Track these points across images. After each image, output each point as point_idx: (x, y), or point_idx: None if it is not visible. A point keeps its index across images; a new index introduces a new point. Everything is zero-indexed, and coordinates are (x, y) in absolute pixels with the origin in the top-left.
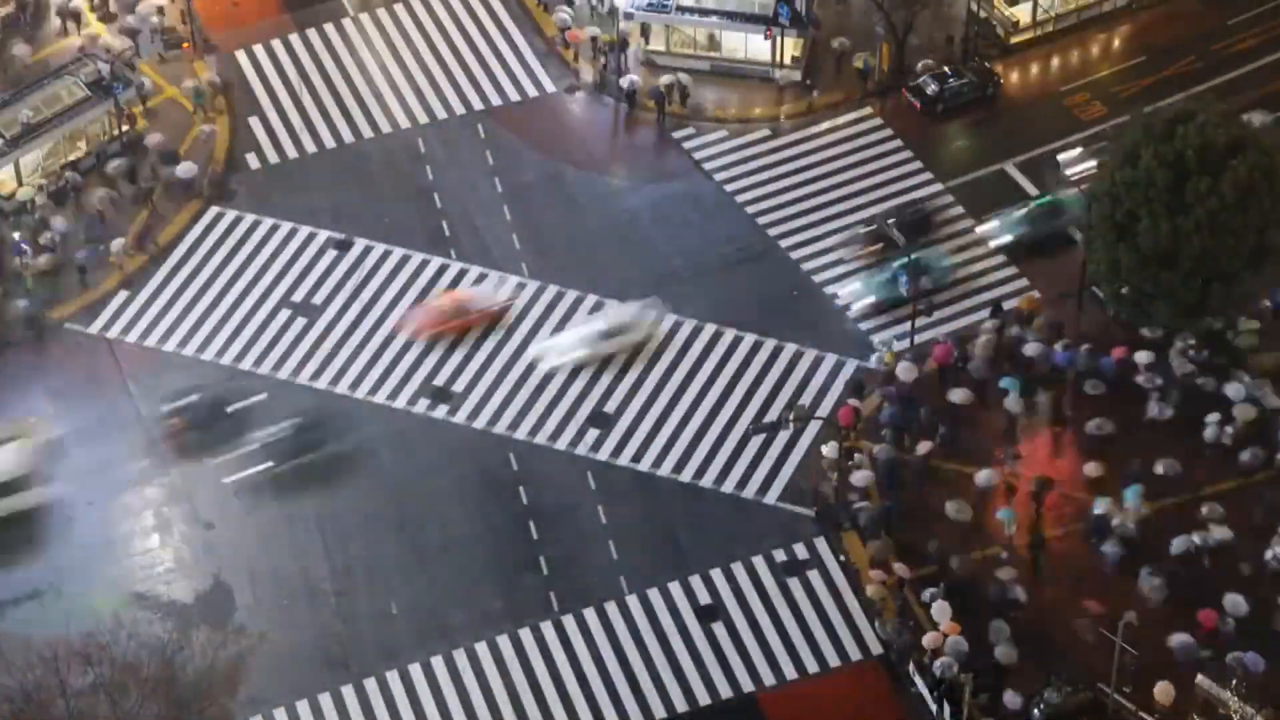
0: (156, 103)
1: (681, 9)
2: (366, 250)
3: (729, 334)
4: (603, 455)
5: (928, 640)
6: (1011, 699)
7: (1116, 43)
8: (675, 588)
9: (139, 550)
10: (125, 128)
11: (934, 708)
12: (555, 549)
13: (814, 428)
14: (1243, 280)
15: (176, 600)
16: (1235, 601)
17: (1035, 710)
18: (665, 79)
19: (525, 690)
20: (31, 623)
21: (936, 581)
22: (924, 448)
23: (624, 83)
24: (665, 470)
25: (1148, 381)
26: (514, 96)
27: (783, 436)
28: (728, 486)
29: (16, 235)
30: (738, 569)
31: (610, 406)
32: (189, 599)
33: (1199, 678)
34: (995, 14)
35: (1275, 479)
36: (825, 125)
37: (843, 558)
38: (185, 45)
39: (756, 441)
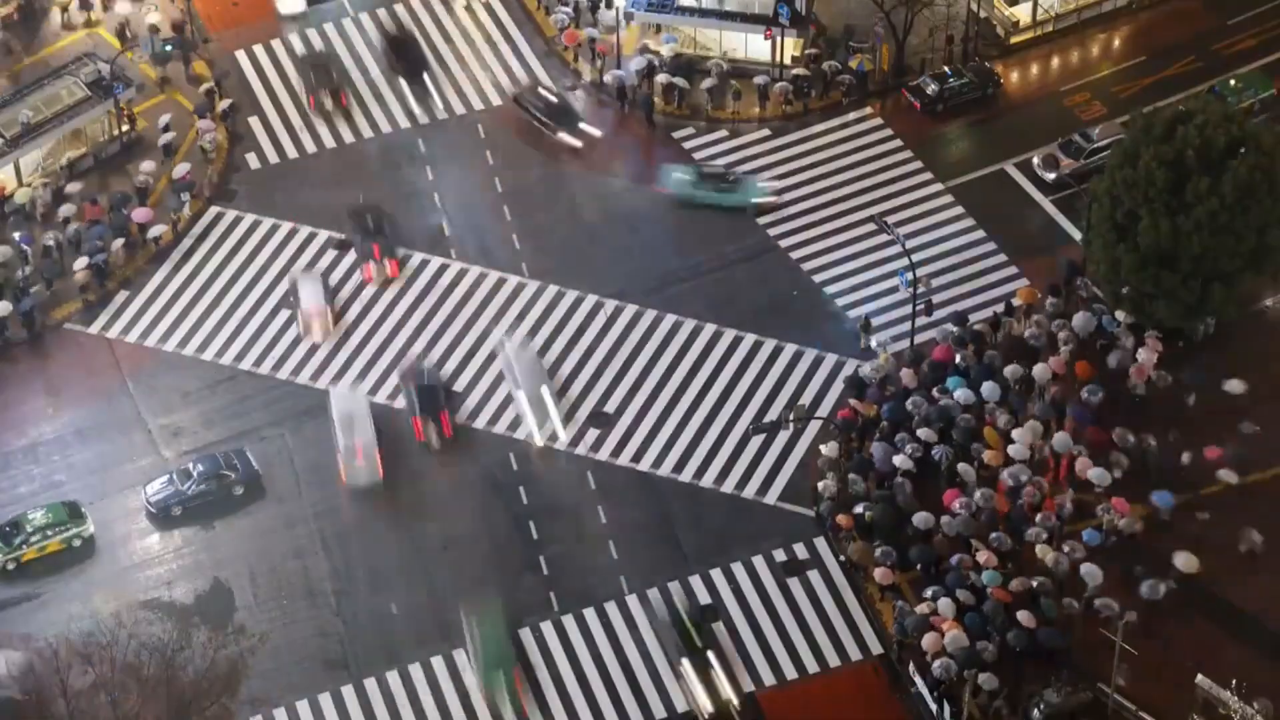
0: (156, 102)
1: (681, 9)
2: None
3: (729, 334)
4: (603, 455)
5: (927, 642)
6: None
7: (1116, 43)
8: (675, 588)
9: (139, 550)
10: (125, 128)
11: (934, 708)
12: (555, 549)
13: (814, 428)
14: (1243, 280)
15: (176, 600)
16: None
17: (1035, 710)
18: (660, 79)
19: (525, 690)
20: (32, 623)
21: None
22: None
23: (608, 78)
24: (665, 470)
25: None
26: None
27: (783, 436)
28: (728, 486)
29: (18, 235)
30: (738, 569)
31: (610, 406)
32: (189, 599)
33: (1199, 677)
34: (995, 14)
35: None
36: (825, 125)
37: (843, 558)
38: None
39: (756, 441)
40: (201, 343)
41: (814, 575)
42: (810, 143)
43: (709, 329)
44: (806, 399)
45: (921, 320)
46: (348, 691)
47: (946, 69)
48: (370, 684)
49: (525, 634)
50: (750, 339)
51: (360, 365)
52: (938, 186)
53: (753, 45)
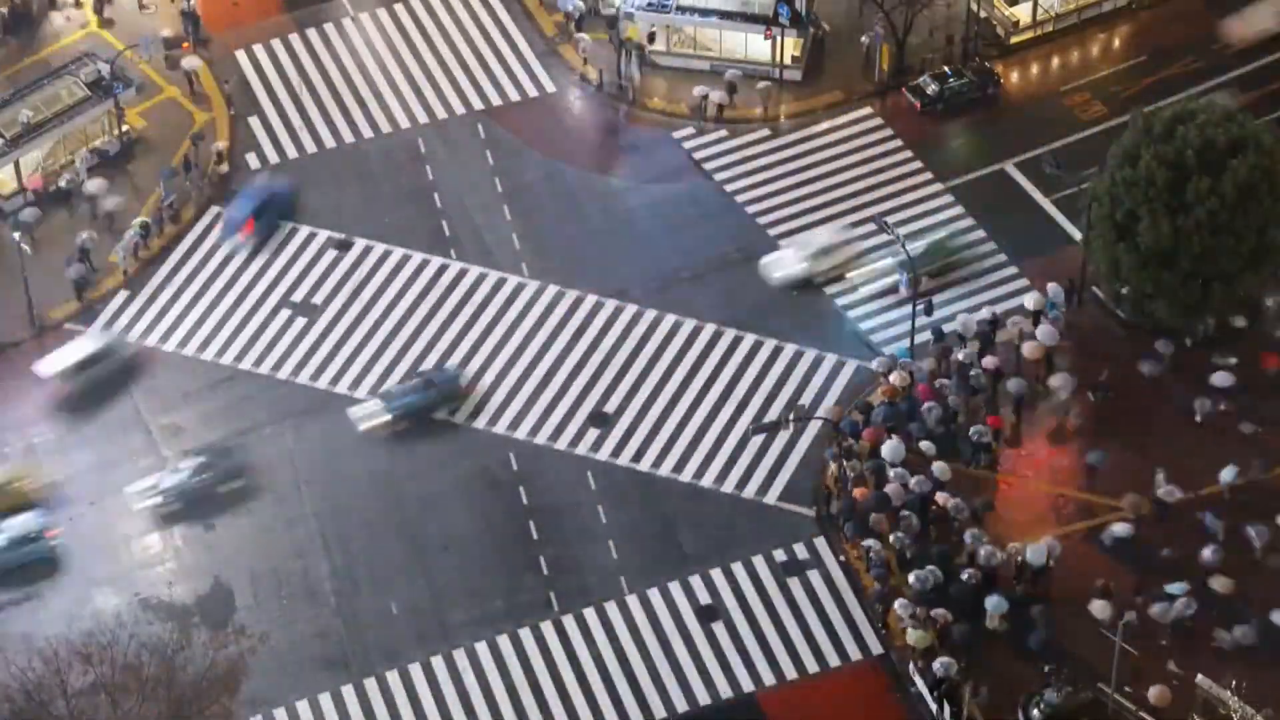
0: (156, 102)
1: (681, 9)
2: (366, 250)
3: (729, 334)
4: (603, 455)
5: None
6: None
7: (1116, 43)
8: (675, 588)
9: (139, 550)
10: (125, 128)
11: (934, 708)
12: (555, 549)
13: (814, 428)
14: (1243, 280)
15: (176, 600)
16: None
17: (1035, 710)
18: (698, 90)
19: (525, 690)
20: (32, 623)
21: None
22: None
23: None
24: (665, 470)
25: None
26: (514, 96)
27: (783, 436)
28: (728, 486)
29: (16, 236)
30: (738, 569)
31: (610, 406)
32: (189, 599)
33: (1199, 677)
34: (995, 14)
35: None
36: (825, 125)
37: (842, 558)
38: (185, 45)
39: (756, 441)
40: (201, 343)
41: (814, 575)
42: (810, 143)
43: (709, 329)
44: (806, 399)
45: (921, 320)
46: (348, 691)
47: (946, 69)
48: (370, 684)
49: (525, 634)
50: (750, 339)
51: (360, 365)
52: (938, 186)
53: (753, 45)
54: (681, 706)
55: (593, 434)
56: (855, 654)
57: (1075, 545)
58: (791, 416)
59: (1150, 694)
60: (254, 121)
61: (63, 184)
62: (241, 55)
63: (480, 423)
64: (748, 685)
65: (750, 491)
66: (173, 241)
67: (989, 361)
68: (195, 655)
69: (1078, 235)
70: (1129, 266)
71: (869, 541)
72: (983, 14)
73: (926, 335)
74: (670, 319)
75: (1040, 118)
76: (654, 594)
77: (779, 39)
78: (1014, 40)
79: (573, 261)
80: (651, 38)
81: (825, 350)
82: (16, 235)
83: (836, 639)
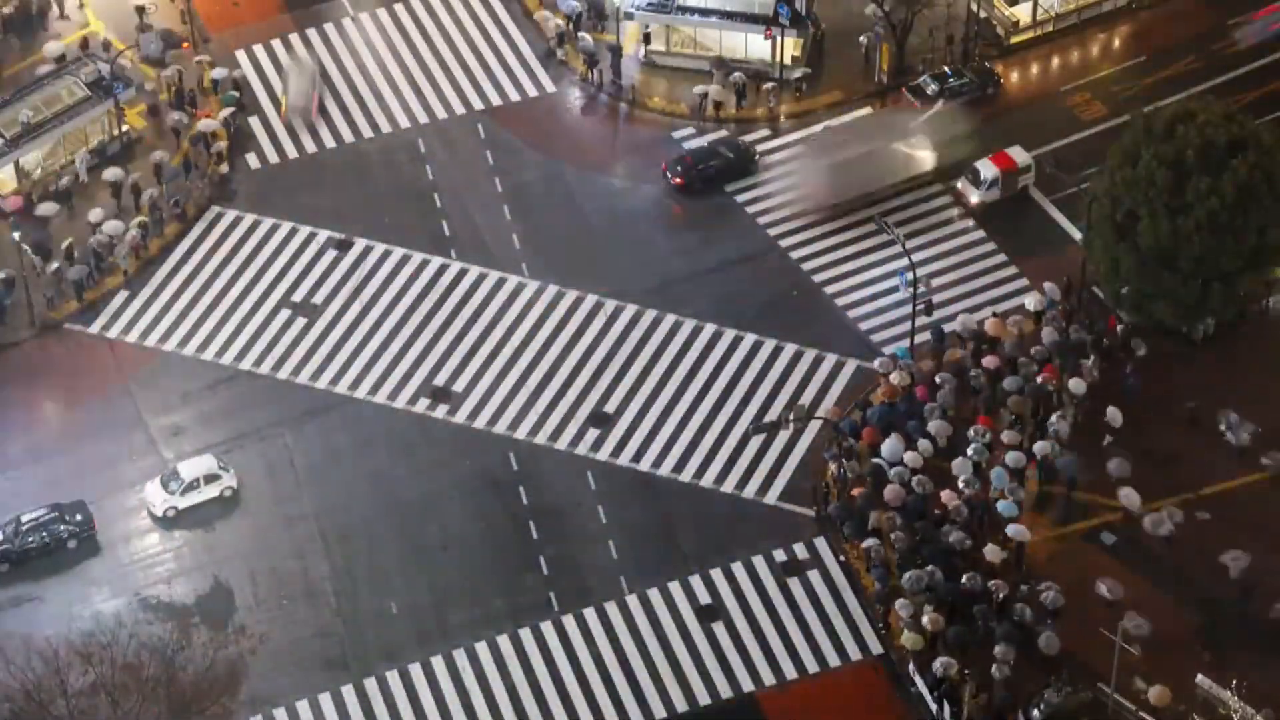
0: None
1: (682, 9)
2: (366, 250)
3: (729, 334)
4: (603, 455)
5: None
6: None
7: (1116, 43)
8: (675, 588)
9: (139, 550)
10: (125, 127)
11: (934, 708)
12: (555, 549)
13: (814, 428)
14: (1243, 280)
15: (176, 600)
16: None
17: (1035, 710)
18: (698, 90)
19: (525, 690)
20: (32, 623)
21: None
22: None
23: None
24: (665, 470)
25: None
26: (514, 96)
27: (783, 436)
28: (728, 486)
29: (16, 236)
30: (738, 569)
31: (610, 406)
32: (189, 599)
33: (1199, 677)
34: (995, 14)
35: None
36: (825, 125)
37: (842, 558)
38: (185, 44)
39: (756, 441)
40: (201, 343)
41: (814, 575)
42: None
43: (709, 329)
44: (806, 399)
45: (921, 320)
46: (348, 691)
47: (946, 69)
48: (370, 684)
49: (525, 634)
50: (750, 339)
51: (360, 366)
52: (938, 187)
53: (753, 45)
54: (681, 706)
55: (593, 434)
56: (855, 654)
57: (1074, 545)
58: (791, 416)
59: (1150, 694)
60: (254, 121)
61: (63, 184)
62: (241, 55)
63: (480, 423)
64: (748, 685)
65: (750, 491)
66: (173, 241)
67: (989, 361)
68: (195, 655)
69: (1078, 235)
70: (1129, 266)
71: (869, 541)
72: (983, 14)
73: (926, 335)
74: (670, 319)
75: (1040, 118)
76: (654, 594)
77: (779, 39)
78: (1014, 40)
79: (573, 261)
80: (647, 38)
81: (825, 350)
82: (16, 235)
83: (836, 639)
